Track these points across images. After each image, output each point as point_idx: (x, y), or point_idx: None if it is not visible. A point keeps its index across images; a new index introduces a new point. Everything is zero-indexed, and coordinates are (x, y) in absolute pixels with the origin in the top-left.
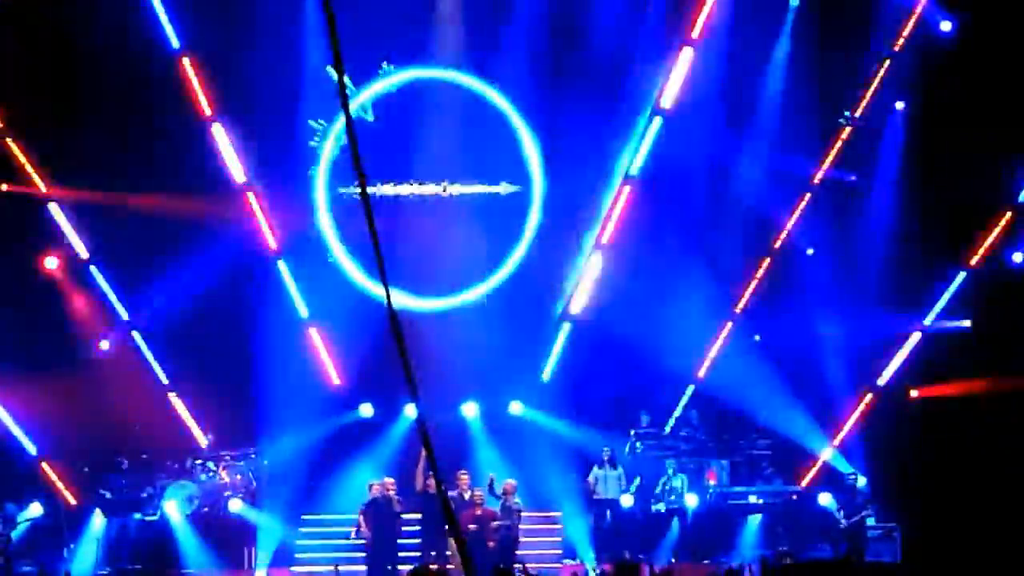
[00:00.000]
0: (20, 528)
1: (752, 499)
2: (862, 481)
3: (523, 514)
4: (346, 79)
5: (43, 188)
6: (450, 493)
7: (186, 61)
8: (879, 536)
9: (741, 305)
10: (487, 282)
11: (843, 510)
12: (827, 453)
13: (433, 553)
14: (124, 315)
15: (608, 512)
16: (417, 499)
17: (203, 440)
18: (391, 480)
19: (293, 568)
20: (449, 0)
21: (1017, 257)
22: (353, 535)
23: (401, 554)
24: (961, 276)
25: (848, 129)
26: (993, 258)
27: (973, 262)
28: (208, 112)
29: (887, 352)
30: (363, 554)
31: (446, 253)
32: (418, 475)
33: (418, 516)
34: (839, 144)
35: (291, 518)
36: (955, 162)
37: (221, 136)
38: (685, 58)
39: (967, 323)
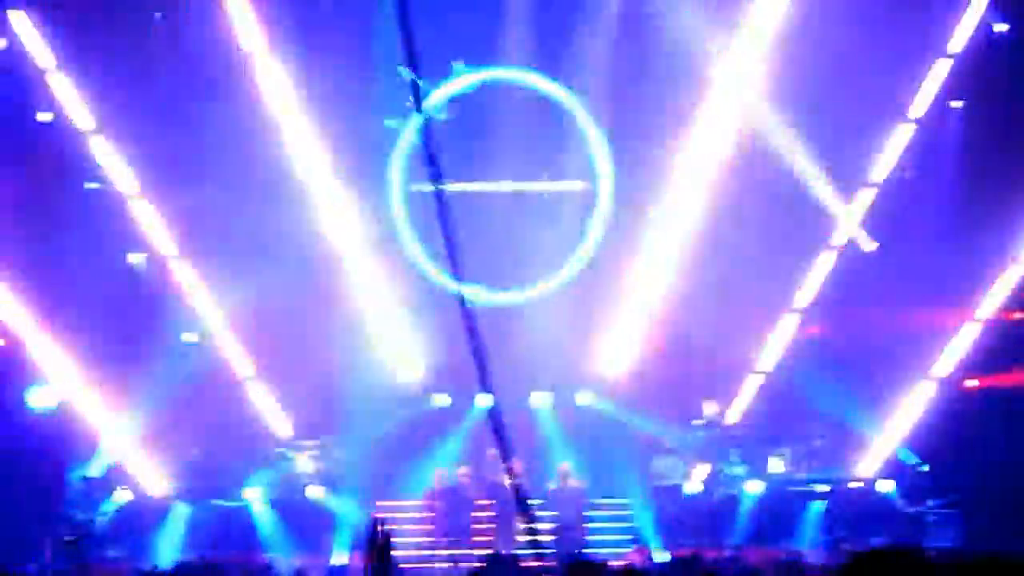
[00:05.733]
0: (105, 516)
1: (813, 487)
2: (922, 468)
3: (592, 501)
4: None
5: (130, 186)
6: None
7: (263, 61)
8: (939, 522)
9: (803, 297)
10: (557, 276)
11: (904, 498)
12: (887, 441)
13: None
14: (209, 309)
15: (672, 499)
16: (488, 486)
17: (283, 429)
18: (465, 468)
19: None
20: (519, 0)
21: None
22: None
23: (475, 539)
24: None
25: (907, 127)
26: None
27: None
28: (287, 113)
29: (944, 343)
30: (434, 539)
31: (517, 248)
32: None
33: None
34: (899, 141)
35: (368, 505)
36: (1010, 159)
37: (298, 135)
38: (750, 56)
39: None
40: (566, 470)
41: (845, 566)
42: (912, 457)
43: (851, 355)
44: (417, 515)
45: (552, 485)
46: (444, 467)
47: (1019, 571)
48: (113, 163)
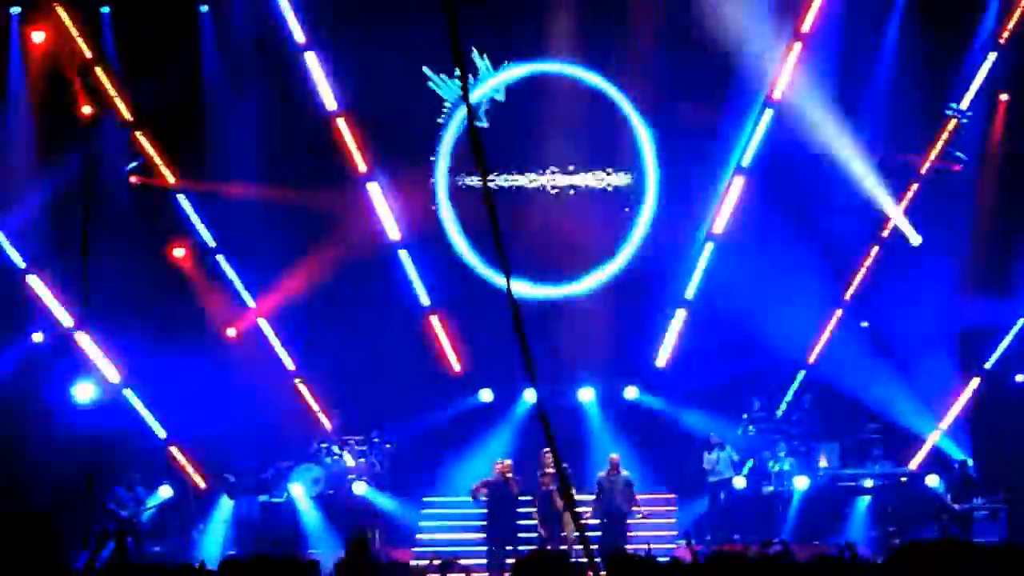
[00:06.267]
0: (150, 511)
1: (862, 481)
2: (970, 463)
3: (639, 496)
4: (485, 62)
5: (171, 180)
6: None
7: (311, 55)
8: (985, 517)
9: (850, 292)
10: (603, 270)
11: (951, 493)
12: (935, 436)
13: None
14: (251, 303)
15: (722, 493)
16: (533, 482)
17: (328, 424)
18: (509, 462)
19: (415, 549)
20: None
21: None
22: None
23: (520, 535)
24: None
25: (955, 120)
26: None
27: None
28: (333, 106)
29: (993, 337)
30: (483, 535)
31: (563, 242)
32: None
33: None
34: (945, 134)
35: (413, 500)
36: None
37: (345, 129)
38: (796, 50)
39: None
40: (615, 460)
41: (893, 560)
42: (960, 452)
43: (900, 349)
44: (462, 511)
45: (601, 474)
46: (500, 460)
47: None
48: (155, 157)
